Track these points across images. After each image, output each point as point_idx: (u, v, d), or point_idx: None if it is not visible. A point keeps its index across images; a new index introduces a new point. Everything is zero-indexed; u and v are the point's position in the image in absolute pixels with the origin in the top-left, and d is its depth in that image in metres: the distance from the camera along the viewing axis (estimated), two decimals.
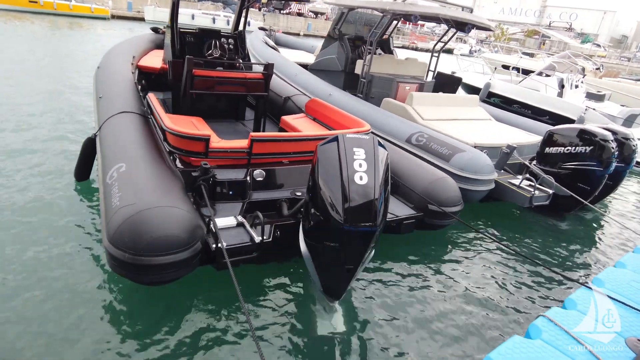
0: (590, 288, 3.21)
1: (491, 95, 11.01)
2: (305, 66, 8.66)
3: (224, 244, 2.89)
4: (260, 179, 3.77)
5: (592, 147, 5.17)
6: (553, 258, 4.78)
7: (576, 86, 10.76)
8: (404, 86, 7.13)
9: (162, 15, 27.47)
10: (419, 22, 7.40)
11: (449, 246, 4.71)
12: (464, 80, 10.16)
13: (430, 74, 7.88)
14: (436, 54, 7.78)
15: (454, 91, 8.07)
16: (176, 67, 4.97)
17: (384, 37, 8.10)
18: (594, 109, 9.24)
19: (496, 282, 4.16)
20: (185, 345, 2.88)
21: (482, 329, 3.46)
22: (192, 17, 28.94)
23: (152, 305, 3.19)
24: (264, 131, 5.63)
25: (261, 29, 12.98)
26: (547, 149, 5.60)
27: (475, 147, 5.42)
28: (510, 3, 69.69)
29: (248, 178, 3.71)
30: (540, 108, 9.91)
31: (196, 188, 3.39)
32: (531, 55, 21.05)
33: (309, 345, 3.05)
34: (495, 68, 14.23)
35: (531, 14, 68.77)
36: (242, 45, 5.93)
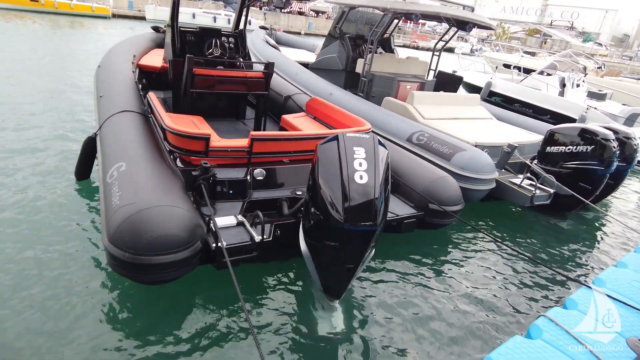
0: (591, 288, 3.20)
1: (492, 94, 10.99)
2: (306, 65, 8.65)
3: (224, 243, 2.88)
4: (261, 178, 3.76)
5: (593, 146, 5.16)
6: (554, 258, 4.77)
7: (577, 85, 10.72)
8: (405, 85, 7.11)
9: (163, 14, 27.45)
10: (420, 20, 7.38)
11: (450, 246, 4.70)
12: (465, 79, 10.14)
13: (431, 73, 7.87)
14: (437, 53, 7.76)
15: (455, 90, 8.05)
16: (177, 66, 4.96)
17: (385, 36, 8.08)
18: (595, 108, 9.20)
19: (497, 281, 4.15)
20: (185, 344, 2.88)
21: (483, 329, 3.45)
22: (193, 16, 28.93)
23: (152, 305, 3.19)
24: (264, 130, 5.63)
25: (262, 27, 12.98)
26: (548, 148, 5.58)
27: (476, 146, 5.41)
28: (512, 2, 69.52)
29: (248, 177, 3.70)
30: (542, 107, 9.89)
31: (196, 187, 3.39)
32: (532, 54, 21.00)
33: (309, 345, 3.04)
34: (497, 67, 14.20)
35: (532, 13, 68.60)
36: (242, 44, 5.92)
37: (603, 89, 12.11)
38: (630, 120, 9.51)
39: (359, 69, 7.44)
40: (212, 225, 3.00)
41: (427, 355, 3.11)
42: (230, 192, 3.63)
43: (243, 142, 3.76)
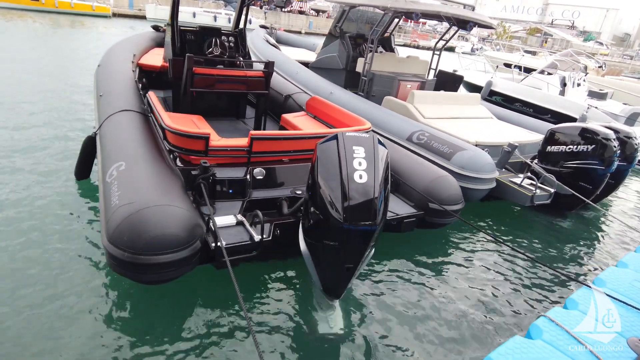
0: (591, 288, 3.19)
1: (493, 93, 10.97)
2: (306, 64, 8.64)
3: (224, 243, 2.88)
4: (260, 177, 3.76)
5: (594, 145, 5.15)
6: (554, 257, 4.76)
7: (578, 84, 10.70)
8: (405, 84, 7.10)
9: (163, 13, 27.45)
10: (421, 20, 7.36)
11: (450, 245, 4.69)
12: (465, 79, 10.12)
13: (432, 72, 7.85)
14: (438, 52, 7.75)
15: (455, 89, 8.04)
16: (176, 65, 4.96)
17: (386, 35, 8.06)
18: (596, 108, 9.18)
19: (497, 281, 4.15)
20: (185, 344, 2.87)
21: (483, 329, 3.45)
22: (194, 15, 28.92)
23: (151, 305, 3.18)
24: (264, 129, 5.62)
25: (262, 27, 12.94)
26: (548, 147, 5.57)
27: (476, 145, 5.40)
28: (512, 1, 69.45)
29: (248, 176, 3.70)
30: (542, 106, 9.87)
31: (196, 187, 3.38)
32: (533, 53, 20.98)
33: (309, 344, 3.04)
34: (497, 66, 14.18)
35: (533, 12, 68.52)
36: (242, 43, 5.91)
37: (604, 88, 12.08)
38: (631, 120, 9.49)
39: (359, 68, 7.43)
40: (211, 224, 2.99)
41: (427, 355, 3.11)
42: (230, 191, 3.62)
43: (243, 142, 3.75)
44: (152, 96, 4.36)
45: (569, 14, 60.83)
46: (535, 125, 7.32)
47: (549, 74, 10.95)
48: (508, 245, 4.30)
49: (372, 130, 4.32)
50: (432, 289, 3.86)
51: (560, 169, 5.41)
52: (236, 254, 3.01)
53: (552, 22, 51.48)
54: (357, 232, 2.57)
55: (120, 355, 2.73)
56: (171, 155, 3.74)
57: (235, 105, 5.97)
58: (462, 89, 9.50)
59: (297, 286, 3.61)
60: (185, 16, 27.45)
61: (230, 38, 5.82)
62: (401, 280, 3.91)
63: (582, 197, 5.10)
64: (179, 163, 3.69)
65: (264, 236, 3.13)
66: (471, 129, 6.11)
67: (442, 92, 7.24)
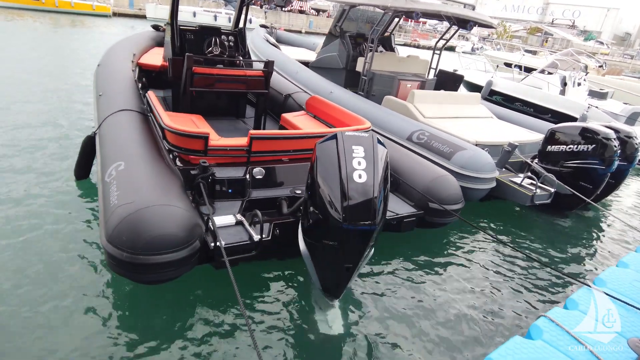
0: (591, 288, 3.19)
1: (493, 93, 10.96)
2: (306, 64, 8.63)
3: (223, 243, 2.87)
4: (260, 177, 3.75)
5: (594, 145, 5.14)
6: (554, 257, 4.76)
7: (579, 84, 10.68)
8: (406, 84, 7.09)
9: (163, 12, 27.44)
10: (421, 19, 7.35)
11: (450, 245, 4.69)
12: (465, 78, 10.11)
13: (432, 72, 7.84)
14: (438, 52, 7.74)
15: (455, 89, 8.03)
16: (176, 64, 4.95)
17: (386, 34, 8.05)
18: (596, 107, 9.17)
19: (497, 281, 4.14)
20: (183, 343, 2.87)
21: (483, 329, 3.44)
22: (194, 15, 28.90)
23: (150, 305, 3.17)
24: (264, 129, 5.62)
25: (262, 26, 12.94)
26: (549, 147, 5.57)
27: (476, 145, 5.39)
28: (513, 0, 69.36)
29: (247, 176, 3.69)
30: (543, 106, 9.86)
31: (195, 186, 3.37)
32: (534, 52, 20.95)
33: (308, 344, 3.03)
34: (497, 66, 14.16)
35: (534, 11, 68.39)
36: (242, 43, 5.90)
37: (604, 87, 12.07)
38: (631, 119, 9.47)
39: (359, 67, 7.42)
40: (210, 224, 2.98)
41: (427, 355, 3.10)
42: (229, 191, 3.61)
43: (242, 141, 3.74)
44: (152, 96, 4.35)
45: (569, 13, 60.77)
46: (536, 124, 7.31)
47: (550, 73, 10.93)
48: (508, 245, 4.30)
49: (372, 130, 4.31)
50: (432, 288, 3.85)
51: (561, 168, 5.40)
52: (235, 254, 3.01)
53: (552, 21, 51.45)
54: (356, 231, 2.56)
55: (119, 355, 2.72)
56: (170, 155, 3.73)
57: (235, 105, 5.96)
58: (462, 88, 9.48)
59: (297, 286, 3.60)
60: (186, 15, 27.46)
61: (230, 37, 5.81)
62: (401, 280, 3.90)
63: (583, 197, 5.09)
64: (178, 163, 3.68)
65: (264, 236, 3.13)
66: (471, 129, 6.10)
67: (442, 91, 7.23)
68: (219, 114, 5.74)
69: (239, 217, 3.35)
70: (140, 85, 5.33)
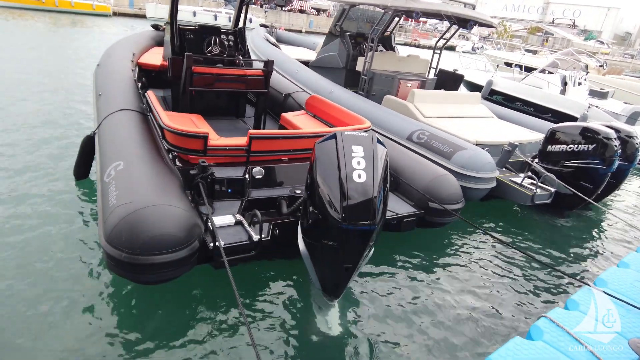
0: (592, 288, 3.17)
1: (493, 92, 10.94)
2: (306, 63, 8.62)
3: (222, 243, 2.86)
4: (259, 176, 3.74)
5: (594, 145, 5.12)
6: (555, 257, 4.74)
7: (579, 83, 10.66)
8: (406, 83, 7.08)
9: (163, 12, 27.43)
10: (421, 18, 7.34)
11: (450, 245, 4.67)
12: (466, 78, 10.09)
13: (432, 71, 7.82)
14: (438, 51, 7.73)
15: (455, 88, 8.01)
16: (175, 64, 4.94)
17: (386, 34, 8.04)
18: (597, 107, 9.16)
19: (497, 281, 4.13)
20: (182, 343, 2.86)
21: (483, 330, 3.43)
22: (194, 14, 28.88)
23: (149, 305, 3.17)
24: (264, 128, 5.60)
25: (262, 25, 12.93)
26: (549, 146, 5.55)
27: (476, 144, 5.38)
28: (513, 0, 69.31)
29: (247, 176, 3.68)
30: (543, 105, 9.85)
31: (194, 186, 3.36)
32: (534, 52, 20.94)
33: (307, 344, 3.02)
34: (498, 65, 14.14)
35: (534, 11, 68.33)
36: (242, 42, 5.89)
37: (605, 87, 12.06)
38: (632, 119, 9.45)
39: (359, 67, 7.41)
40: (209, 224, 2.97)
41: (426, 356, 3.09)
42: (229, 191, 3.60)
43: (241, 141, 3.73)
44: (151, 95, 4.34)
45: (569, 12, 60.75)
46: (536, 124, 7.30)
47: (550, 73, 10.92)
48: (508, 245, 4.29)
49: (372, 130, 4.30)
50: (432, 288, 3.84)
51: (561, 168, 5.39)
52: (235, 254, 3.00)
53: (552, 21, 51.45)
54: (355, 231, 2.55)
55: (119, 355, 2.71)
56: (170, 155, 3.72)
57: (234, 104, 5.95)
58: (462, 88, 9.47)
59: (296, 286, 3.59)
60: (186, 15, 27.44)
61: (230, 37, 5.80)
62: (400, 280, 3.89)
63: (583, 197, 5.07)
64: (177, 162, 3.67)
65: (263, 236, 3.12)
66: (471, 128, 6.09)
67: (442, 91, 7.22)
68: (218, 114, 5.73)
69: (239, 217, 3.34)
70: (139, 84, 5.32)
